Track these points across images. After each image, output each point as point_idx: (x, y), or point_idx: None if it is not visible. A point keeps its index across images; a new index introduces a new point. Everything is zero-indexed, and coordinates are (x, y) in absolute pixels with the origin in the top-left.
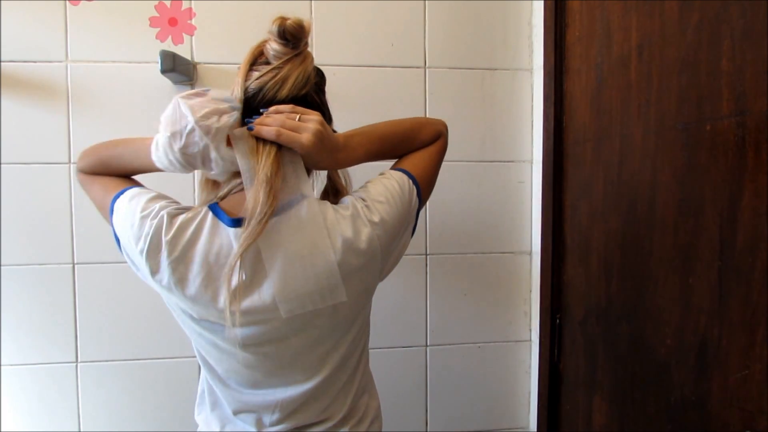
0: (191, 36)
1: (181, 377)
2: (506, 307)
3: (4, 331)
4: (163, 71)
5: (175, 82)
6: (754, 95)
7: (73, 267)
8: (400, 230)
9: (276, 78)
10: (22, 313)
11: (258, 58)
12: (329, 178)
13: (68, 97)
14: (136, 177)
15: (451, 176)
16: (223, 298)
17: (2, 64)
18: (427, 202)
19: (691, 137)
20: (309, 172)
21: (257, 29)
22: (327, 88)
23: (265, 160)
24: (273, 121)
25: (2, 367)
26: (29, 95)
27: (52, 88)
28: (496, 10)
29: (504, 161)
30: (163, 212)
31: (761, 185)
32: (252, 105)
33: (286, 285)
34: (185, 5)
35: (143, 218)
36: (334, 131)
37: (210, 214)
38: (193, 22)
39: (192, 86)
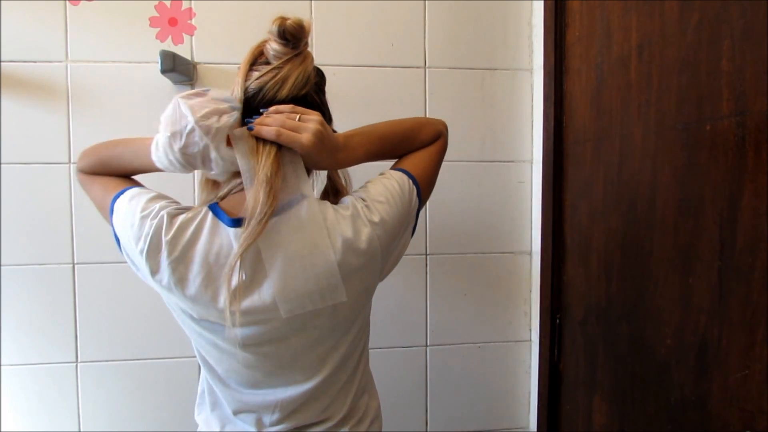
0: (191, 36)
1: (181, 377)
2: (506, 307)
3: (4, 331)
4: (163, 71)
5: (175, 82)
6: (754, 95)
7: (73, 267)
8: (400, 230)
9: (276, 78)
10: (22, 313)
11: (258, 58)
12: (329, 178)
13: (68, 97)
14: (136, 177)
15: (451, 176)
16: (223, 298)
17: (2, 64)
18: (428, 203)
19: (691, 137)
20: (309, 172)
21: (257, 29)
22: (327, 88)
23: (265, 160)
24: (273, 121)
25: (2, 367)
26: (29, 95)
27: (52, 88)
28: (496, 10)
29: (504, 161)
30: (163, 212)
31: (761, 185)
32: (252, 105)
33: (286, 285)
34: (185, 5)
35: (143, 218)
36: (334, 131)
37: (210, 214)
38: (193, 22)
39: (192, 86)
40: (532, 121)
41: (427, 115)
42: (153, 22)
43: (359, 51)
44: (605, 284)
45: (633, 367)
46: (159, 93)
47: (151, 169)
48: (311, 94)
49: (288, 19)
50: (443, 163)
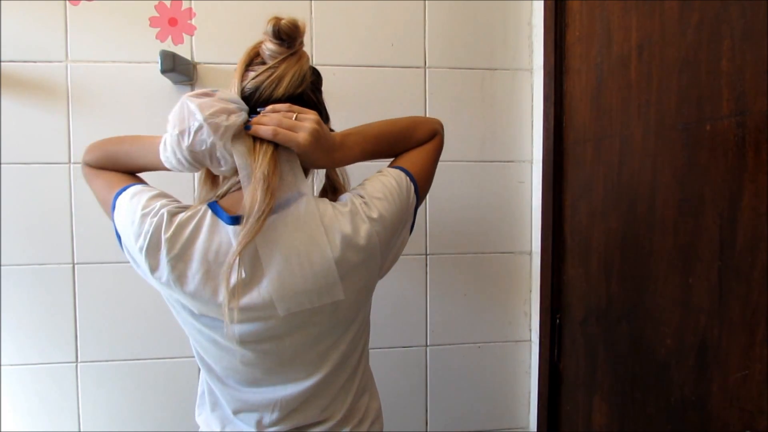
0: (191, 36)
1: (181, 377)
2: (506, 307)
3: (4, 331)
4: (163, 71)
5: (175, 82)
6: (754, 95)
7: (73, 267)
8: (398, 227)
9: (272, 77)
10: (22, 313)
11: (254, 59)
12: (327, 176)
13: (68, 97)
14: (139, 175)
15: (451, 176)
16: (222, 295)
17: (2, 64)
18: (428, 203)
19: (691, 137)
20: (307, 170)
21: (257, 29)
22: (327, 88)
23: (262, 159)
24: (269, 120)
25: (2, 367)
26: (29, 95)
27: (52, 88)
28: (496, 10)
29: (504, 161)
30: (164, 210)
31: (761, 185)
32: (249, 104)
33: (283, 283)
34: (185, 5)
35: (144, 216)
36: (332, 130)
37: (209, 212)
38: (193, 22)
39: (192, 86)
40: (532, 121)
41: (428, 116)
42: (153, 22)
43: (359, 51)
44: (605, 284)
45: (633, 367)
46: (159, 93)
47: (158, 167)
48: (307, 92)
49: (282, 19)
50: (443, 163)
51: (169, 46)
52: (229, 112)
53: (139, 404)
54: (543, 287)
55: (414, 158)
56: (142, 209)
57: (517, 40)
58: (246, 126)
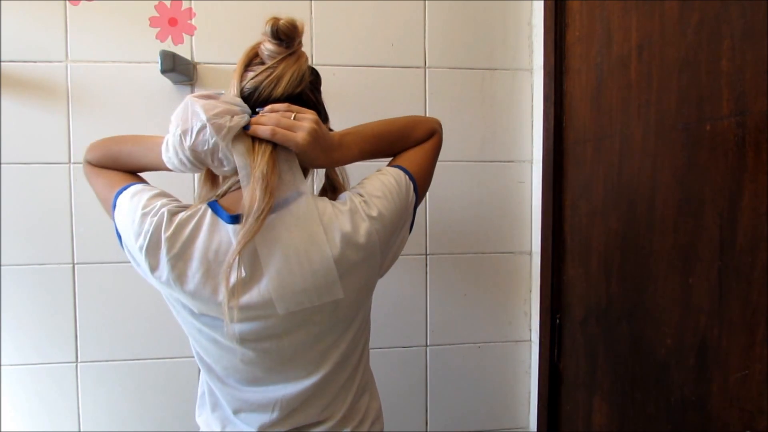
0: (191, 36)
1: (181, 377)
2: (506, 307)
3: (4, 331)
4: (163, 71)
5: (175, 82)
6: (754, 95)
7: (73, 267)
8: (398, 225)
9: (271, 77)
10: (22, 313)
11: (253, 59)
12: (327, 175)
13: (68, 97)
14: (140, 175)
15: (451, 176)
16: (222, 294)
17: (2, 64)
18: (428, 203)
19: (691, 137)
20: (306, 170)
21: (257, 29)
22: (327, 88)
23: (261, 159)
24: (268, 120)
25: (2, 367)
26: (29, 95)
27: (52, 88)
28: (496, 11)
29: (504, 161)
30: (164, 209)
31: (761, 185)
32: (248, 104)
33: (282, 282)
34: (185, 5)
35: (144, 215)
36: (331, 130)
37: (209, 211)
38: (193, 22)
39: (192, 86)
40: (532, 121)
41: (427, 116)
42: (153, 22)
43: (359, 51)
44: (605, 284)
45: (633, 368)
46: (159, 93)
47: (160, 167)
48: (306, 92)
49: (281, 19)
50: (443, 163)
51: (169, 46)
52: (233, 114)
53: (139, 404)
54: (543, 287)
55: (413, 157)
56: (143, 208)
57: (517, 40)
58: (245, 126)
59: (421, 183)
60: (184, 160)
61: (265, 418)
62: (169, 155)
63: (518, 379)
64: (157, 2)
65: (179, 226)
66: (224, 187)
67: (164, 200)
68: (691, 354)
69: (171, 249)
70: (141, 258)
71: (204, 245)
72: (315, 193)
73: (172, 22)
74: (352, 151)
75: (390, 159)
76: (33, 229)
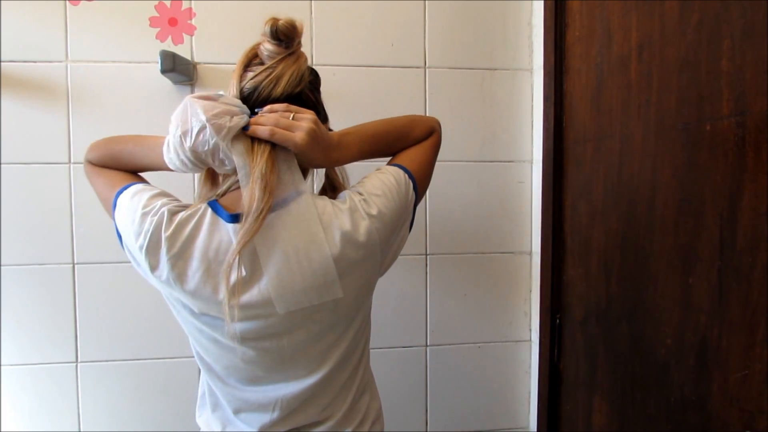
0: (191, 36)
1: (181, 377)
2: (506, 307)
3: (4, 331)
4: (163, 71)
5: (175, 82)
6: (754, 95)
7: (73, 267)
8: (398, 224)
9: (270, 77)
10: (22, 313)
11: (252, 60)
12: (327, 175)
13: (68, 97)
14: (141, 174)
15: (452, 176)
16: (222, 293)
17: (2, 64)
18: (428, 202)
19: (691, 137)
20: (306, 170)
21: (257, 29)
22: (327, 88)
23: (260, 158)
24: (267, 120)
25: (2, 367)
26: (29, 95)
27: (52, 88)
28: (496, 11)
29: (504, 161)
30: (164, 209)
31: (761, 185)
32: (247, 104)
33: (281, 281)
34: (185, 5)
35: (144, 215)
36: (330, 130)
37: (209, 210)
38: (193, 22)
39: (192, 86)
40: (532, 121)
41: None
42: (153, 22)
43: (359, 51)
44: (605, 284)
45: (633, 368)
46: (159, 93)
47: (160, 167)
48: (306, 92)
49: (280, 19)
50: (444, 163)
51: (169, 46)
52: (232, 114)
53: (139, 404)
54: (543, 287)
55: (412, 156)
56: (143, 208)
57: (517, 40)
58: (244, 126)
59: (420, 181)
60: (186, 160)
61: (265, 418)
62: (170, 156)
63: (518, 379)
64: (157, 2)
65: (179, 225)
66: (224, 187)
67: (164, 200)
68: (691, 354)
69: (171, 248)
70: (141, 257)
71: (204, 244)
72: (315, 192)
73: (172, 22)
74: (351, 151)
75: (389, 158)
76: (33, 229)
